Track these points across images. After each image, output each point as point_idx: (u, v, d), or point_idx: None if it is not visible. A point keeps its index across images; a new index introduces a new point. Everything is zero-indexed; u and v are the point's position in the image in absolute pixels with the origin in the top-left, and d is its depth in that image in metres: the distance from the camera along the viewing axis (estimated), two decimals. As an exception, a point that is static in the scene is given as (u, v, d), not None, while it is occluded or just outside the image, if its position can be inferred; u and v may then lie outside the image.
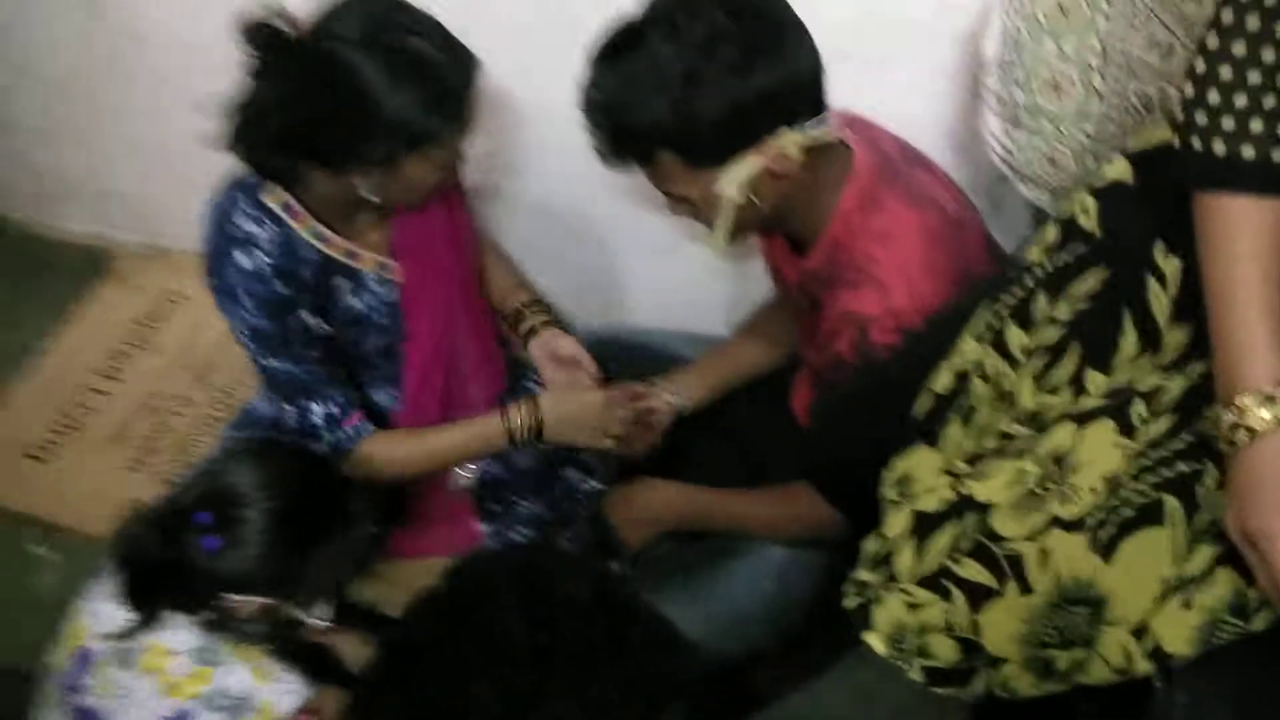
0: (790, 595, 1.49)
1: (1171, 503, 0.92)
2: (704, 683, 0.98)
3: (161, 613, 1.21)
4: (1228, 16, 0.84)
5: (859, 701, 1.59)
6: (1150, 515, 0.93)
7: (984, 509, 1.02)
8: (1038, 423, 1.03)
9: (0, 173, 2.23)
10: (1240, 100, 0.84)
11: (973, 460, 1.07)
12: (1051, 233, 1.07)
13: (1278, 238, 0.85)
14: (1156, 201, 0.97)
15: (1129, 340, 0.99)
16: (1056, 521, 0.97)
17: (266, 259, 1.31)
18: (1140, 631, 0.94)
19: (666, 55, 1.14)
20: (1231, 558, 0.88)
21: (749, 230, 1.30)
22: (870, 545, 1.12)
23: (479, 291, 1.61)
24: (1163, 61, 1.22)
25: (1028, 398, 1.05)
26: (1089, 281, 1.02)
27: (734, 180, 1.20)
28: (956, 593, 1.03)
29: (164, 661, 1.22)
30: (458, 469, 1.56)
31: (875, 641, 1.08)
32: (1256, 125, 0.84)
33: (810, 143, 1.20)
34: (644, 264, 1.87)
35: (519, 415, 1.44)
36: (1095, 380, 1.00)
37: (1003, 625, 1.01)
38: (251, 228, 1.32)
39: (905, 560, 1.07)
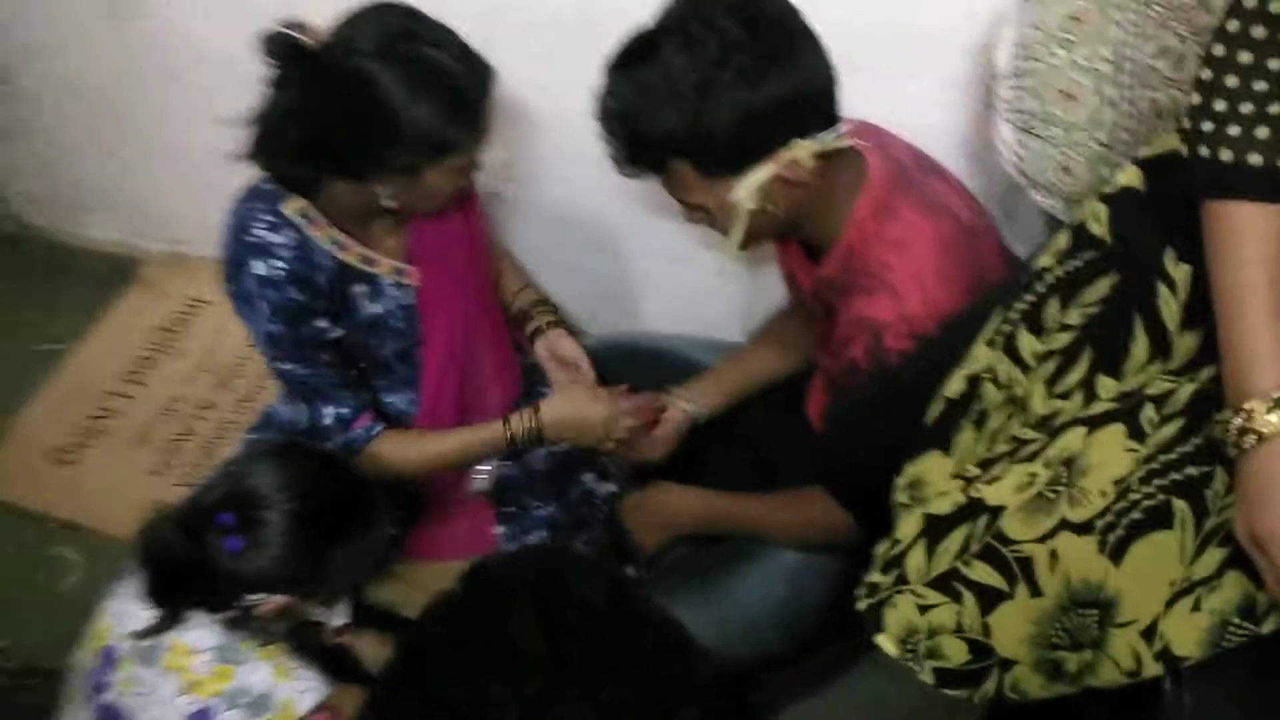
0: (803, 600, 1.49)
1: (1181, 506, 0.92)
2: (717, 687, 0.98)
3: (184, 612, 1.23)
4: (1234, 25, 0.85)
5: (871, 706, 1.60)
6: (1160, 518, 0.93)
7: (994, 512, 1.03)
8: (1048, 427, 1.03)
9: (29, 181, 2.27)
10: (1246, 108, 0.85)
11: (984, 465, 1.08)
12: (1063, 239, 1.07)
13: None
14: (1166, 208, 0.97)
15: (1140, 345, 0.99)
16: (1066, 524, 0.97)
17: (283, 266, 1.33)
18: (1149, 634, 0.94)
19: (681, 66, 1.16)
20: (1240, 561, 0.89)
21: (763, 237, 1.31)
22: (882, 548, 1.13)
23: (494, 297, 1.63)
24: (1174, 69, 1.23)
25: (1039, 403, 1.05)
26: (1100, 287, 1.02)
27: (748, 188, 1.21)
28: (967, 594, 1.03)
29: (186, 660, 1.23)
30: (474, 473, 1.57)
31: (886, 643, 1.08)
32: (1262, 132, 0.84)
33: (824, 151, 1.21)
34: (659, 271, 1.88)
35: (519, 419, 1.47)
36: (1106, 385, 1.01)
37: (1013, 627, 1.01)
38: (269, 235, 1.34)
39: (916, 562, 1.07)
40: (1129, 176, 1.04)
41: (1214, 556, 0.92)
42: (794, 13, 1.20)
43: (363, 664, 1.41)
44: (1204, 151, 0.87)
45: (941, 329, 1.21)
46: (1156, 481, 0.94)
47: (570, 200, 1.80)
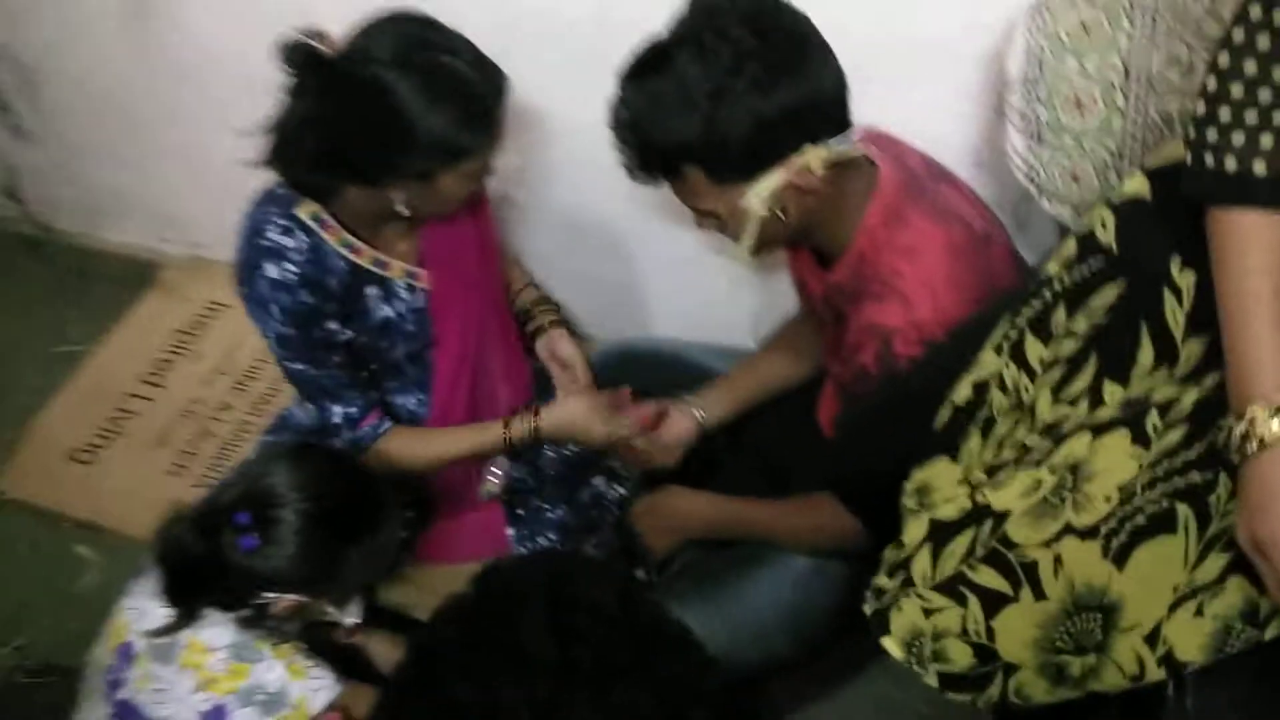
0: (813, 605, 1.49)
1: (1184, 511, 0.93)
2: (726, 691, 0.99)
3: (200, 610, 1.25)
4: (1239, 36, 0.86)
5: (880, 712, 1.60)
6: (1163, 523, 0.94)
7: (1000, 517, 1.03)
8: (1054, 433, 1.04)
9: (52, 186, 2.29)
10: (1251, 117, 0.85)
11: (991, 471, 1.09)
12: (1070, 247, 1.08)
13: None
14: (1173, 216, 0.98)
15: (1146, 353, 1.00)
16: (1071, 529, 0.98)
17: (295, 270, 1.35)
18: (1153, 639, 0.95)
19: (694, 75, 1.16)
20: (1243, 566, 0.89)
21: (775, 244, 1.31)
22: (889, 553, 1.13)
23: (505, 300, 1.64)
24: (1183, 79, 1.23)
25: (1045, 409, 1.06)
26: (1107, 295, 1.03)
27: (760, 195, 1.21)
28: (972, 598, 1.04)
29: (202, 658, 1.25)
30: (485, 477, 1.59)
31: (891, 646, 1.09)
32: (1267, 142, 0.85)
33: (835, 159, 1.21)
34: (670, 277, 1.88)
35: (519, 422, 1.49)
36: (1112, 392, 1.01)
37: (1017, 631, 1.02)
38: (282, 239, 1.35)
39: (922, 567, 1.08)
40: (1136, 185, 1.04)
41: (1217, 562, 0.92)
42: (805, 21, 1.20)
43: (374, 665, 1.42)
44: (1209, 160, 0.88)
45: (951, 336, 1.21)
46: (1160, 487, 0.94)
47: (582, 206, 1.81)
